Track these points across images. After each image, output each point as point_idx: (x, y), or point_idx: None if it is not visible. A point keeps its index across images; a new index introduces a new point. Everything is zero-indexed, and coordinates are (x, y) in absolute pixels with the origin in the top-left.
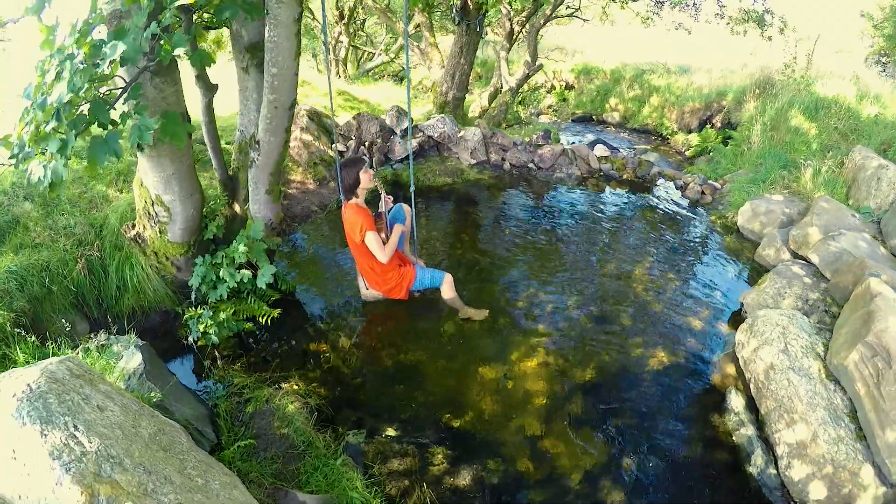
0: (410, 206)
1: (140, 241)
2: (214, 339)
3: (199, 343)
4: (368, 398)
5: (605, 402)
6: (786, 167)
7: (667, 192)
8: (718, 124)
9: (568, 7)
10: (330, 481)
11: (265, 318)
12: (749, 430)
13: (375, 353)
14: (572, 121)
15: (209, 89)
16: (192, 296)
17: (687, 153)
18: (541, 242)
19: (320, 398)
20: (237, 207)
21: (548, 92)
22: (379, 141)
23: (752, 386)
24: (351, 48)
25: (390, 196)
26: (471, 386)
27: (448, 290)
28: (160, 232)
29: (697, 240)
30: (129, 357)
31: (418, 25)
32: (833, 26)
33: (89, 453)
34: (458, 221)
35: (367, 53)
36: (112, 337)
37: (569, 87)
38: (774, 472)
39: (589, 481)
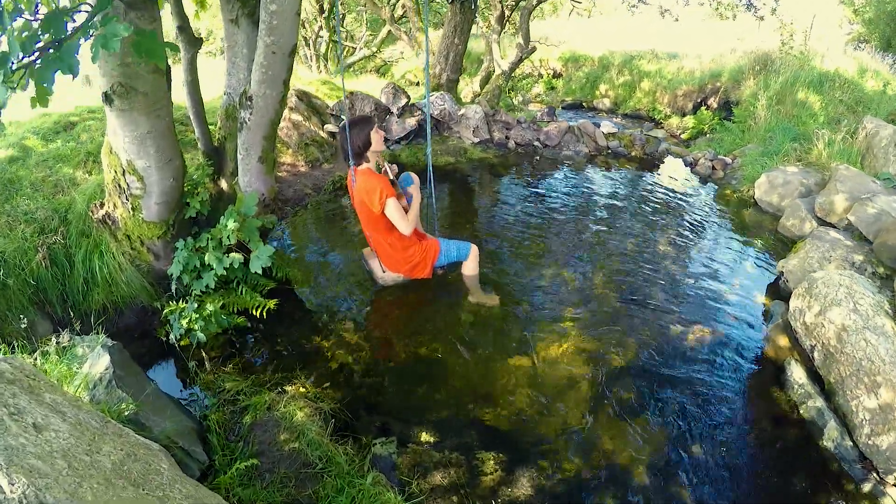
0: (429, 180)
1: (110, 223)
2: (201, 336)
3: (183, 343)
4: (389, 399)
5: (651, 385)
6: (796, 139)
7: (677, 169)
8: (715, 105)
9: None
10: None
11: (260, 310)
12: (818, 402)
13: (388, 347)
14: (562, 108)
15: (192, 44)
16: (173, 287)
17: (682, 136)
18: (556, 221)
19: (333, 402)
20: (224, 183)
21: (535, 81)
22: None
23: (816, 354)
24: (332, 43)
25: (393, 164)
26: (499, 378)
27: (473, 266)
28: (133, 209)
29: (716, 214)
30: (95, 359)
31: (405, 11)
32: (812, 14)
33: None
34: (464, 202)
35: (347, 49)
36: (76, 337)
37: (556, 75)
38: (851, 443)
39: (654, 473)
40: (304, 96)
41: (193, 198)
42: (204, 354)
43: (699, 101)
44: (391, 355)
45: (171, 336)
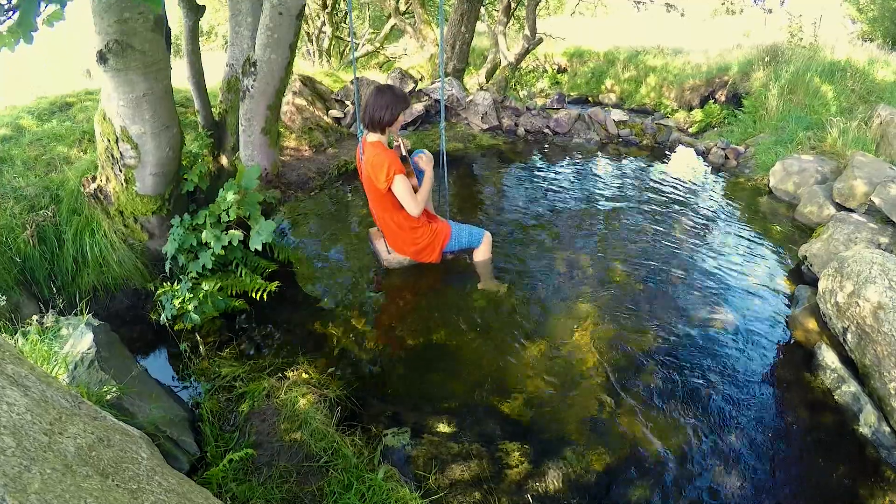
0: (442, 163)
1: (102, 198)
2: (194, 317)
3: (176, 327)
4: (399, 387)
5: (675, 370)
6: (809, 128)
7: (689, 158)
8: (723, 98)
9: None
10: None
11: (260, 293)
12: (851, 387)
13: (395, 333)
14: (568, 102)
15: (194, 11)
16: (167, 268)
17: (690, 130)
18: (567, 209)
19: (339, 389)
20: (224, 160)
21: (540, 76)
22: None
23: (849, 336)
24: (334, 39)
25: (406, 140)
26: (515, 365)
27: (485, 251)
28: (126, 181)
29: (731, 202)
30: (78, 339)
31: (409, 5)
32: (815, 10)
33: None
34: (474, 188)
35: (349, 45)
36: (61, 318)
37: (561, 70)
38: (889, 429)
39: (686, 462)
40: (308, 81)
41: (191, 171)
42: (199, 339)
43: (706, 95)
44: (399, 341)
45: (163, 317)
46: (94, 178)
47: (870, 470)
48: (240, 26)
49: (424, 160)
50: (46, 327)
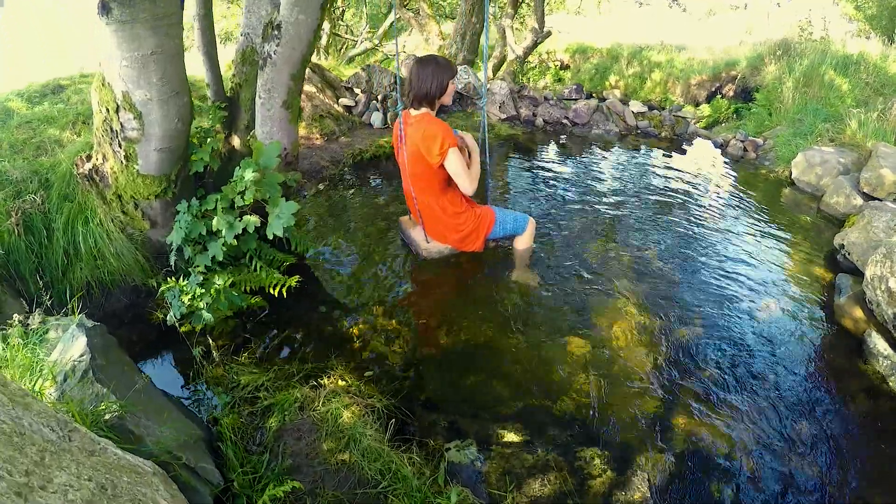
0: (485, 151)
1: (98, 180)
2: (207, 317)
3: (183, 328)
4: (444, 391)
5: (727, 363)
6: (827, 120)
7: (708, 150)
8: (731, 93)
9: None
10: None
11: (279, 288)
12: None
13: (427, 331)
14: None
15: None
16: (172, 260)
17: (698, 125)
18: (593, 200)
19: (384, 397)
20: (236, 140)
21: (543, 72)
22: (394, 94)
23: None
24: (332, 36)
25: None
26: (559, 363)
27: (528, 239)
28: (126, 159)
29: (755, 194)
30: (68, 343)
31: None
32: (808, 9)
33: None
34: (495, 177)
35: (348, 42)
36: (49, 318)
37: (564, 66)
38: None
39: (756, 455)
40: (316, 68)
41: (202, 149)
42: (211, 342)
43: (713, 90)
44: (431, 340)
45: (170, 317)
46: (88, 157)
47: None
48: None
49: (469, 139)
50: (31, 329)
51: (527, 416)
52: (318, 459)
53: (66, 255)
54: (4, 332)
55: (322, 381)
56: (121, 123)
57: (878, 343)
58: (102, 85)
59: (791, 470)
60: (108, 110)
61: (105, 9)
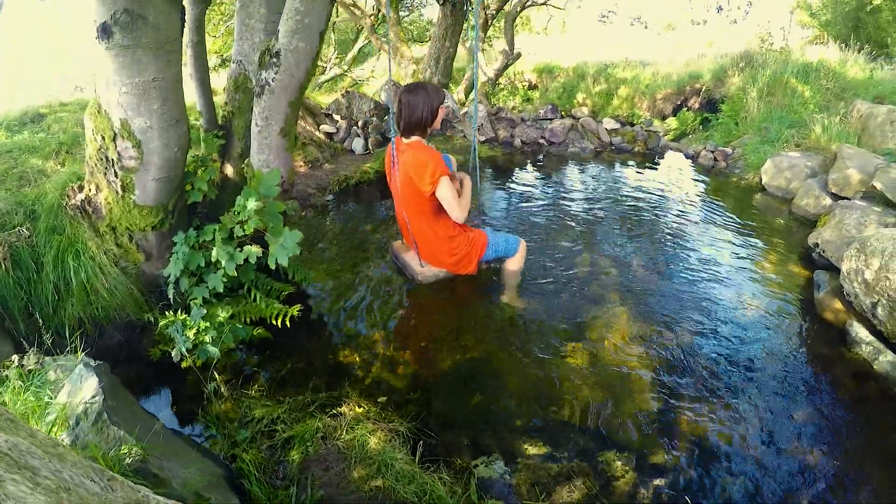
0: (476, 172)
1: (91, 212)
2: (212, 351)
3: (184, 364)
4: (457, 411)
5: (719, 361)
6: (792, 126)
7: (680, 162)
8: (696, 105)
9: None
10: None
11: (281, 318)
12: (888, 356)
13: (430, 354)
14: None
15: None
16: (170, 294)
17: (666, 138)
18: (574, 216)
19: (403, 421)
20: (229, 168)
21: (511, 93)
22: (374, 120)
23: (880, 309)
24: None
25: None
26: (561, 375)
27: (519, 260)
28: (123, 189)
29: (727, 201)
30: (76, 384)
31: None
32: (765, 21)
33: None
34: (479, 199)
35: (318, 67)
36: (46, 359)
37: (532, 86)
38: None
39: (760, 444)
40: None
41: (199, 177)
42: (216, 376)
43: (679, 103)
44: (435, 362)
45: (175, 353)
46: (80, 188)
47: None
48: (250, 18)
49: (454, 165)
50: (29, 370)
51: (541, 428)
52: (351, 488)
53: (57, 291)
54: (2, 374)
55: (341, 410)
56: (118, 152)
57: (859, 331)
58: (98, 112)
59: (796, 453)
60: (103, 138)
61: (106, 33)
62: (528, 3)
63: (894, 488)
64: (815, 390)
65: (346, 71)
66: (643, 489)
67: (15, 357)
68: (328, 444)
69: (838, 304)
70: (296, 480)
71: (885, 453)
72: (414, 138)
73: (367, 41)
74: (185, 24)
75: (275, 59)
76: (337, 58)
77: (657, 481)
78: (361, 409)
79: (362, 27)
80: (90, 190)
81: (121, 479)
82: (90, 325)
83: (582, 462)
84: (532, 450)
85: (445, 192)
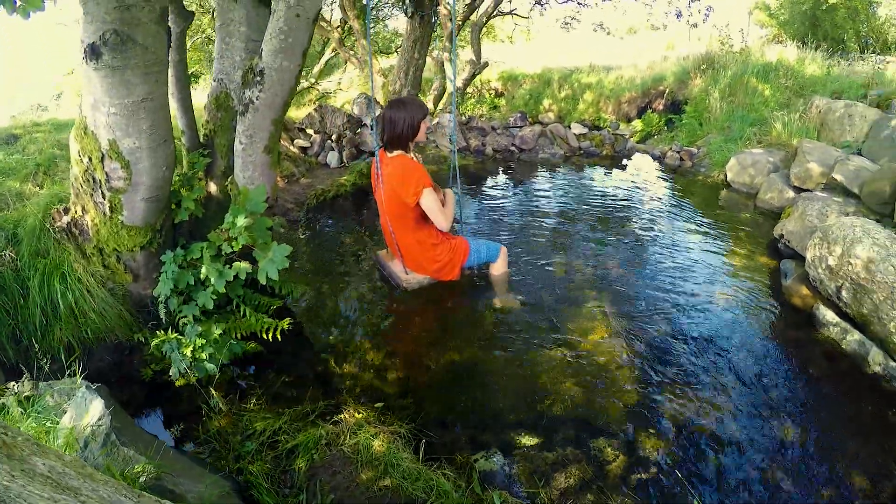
0: (454, 172)
1: (77, 234)
2: (209, 368)
3: (178, 382)
4: (454, 411)
5: (696, 349)
6: (754, 124)
7: (648, 163)
8: (660, 107)
9: (508, 1)
10: None
11: (272, 332)
12: (855, 335)
13: (418, 358)
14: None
15: (183, 17)
16: (161, 313)
17: (632, 140)
18: (548, 220)
19: (402, 423)
20: (212, 186)
21: (478, 101)
22: (348, 133)
23: (844, 293)
24: None
25: (418, 155)
26: (546, 371)
27: (502, 265)
28: (111, 210)
29: (695, 199)
30: (80, 407)
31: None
32: (726, 22)
33: None
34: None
35: None
36: (42, 384)
37: (498, 94)
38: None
39: (737, 424)
40: None
41: (186, 197)
42: (213, 393)
43: (643, 105)
44: (424, 365)
45: (173, 372)
46: (66, 210)
47: (888, 401)
48: (231, 36)
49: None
50: (26, 396)
51: (533, 421)
52: (360, 490)
53: (44, 315)
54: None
55: (341, 417)
56: (106, 173)
57: (826, 314)
58: (84, 133)
59: (772, 431)
60: (90, 160)
61: (95, 54)
62: (494, 14)
63: (867, 456)
64: (789, 371)
65: (313, 84)
66: (635, 472)
67: (11, 384)
68: (333, 450)
69: (805, 290)
70: (304, 487)
71: (856, 424)
72: (397, 152)
73: (334, 53)
74: (176, 40)
75: (259, 78)
76: (304, 69)
77: (647, 463)
78: (361, 414)
79: (329, 39)
80: (76, 212)
81: (148, 496)
82: (80, 348)
83: (575, 450)
84: (527, 442)
85: (430, 203)
